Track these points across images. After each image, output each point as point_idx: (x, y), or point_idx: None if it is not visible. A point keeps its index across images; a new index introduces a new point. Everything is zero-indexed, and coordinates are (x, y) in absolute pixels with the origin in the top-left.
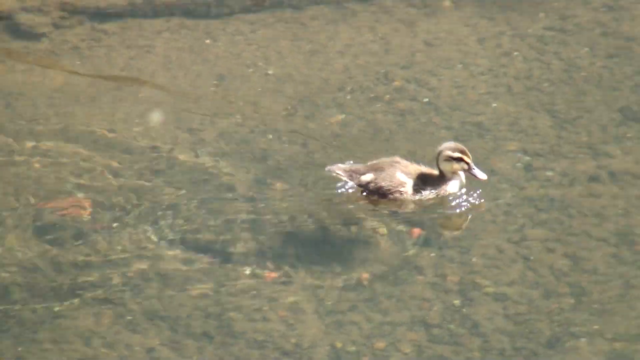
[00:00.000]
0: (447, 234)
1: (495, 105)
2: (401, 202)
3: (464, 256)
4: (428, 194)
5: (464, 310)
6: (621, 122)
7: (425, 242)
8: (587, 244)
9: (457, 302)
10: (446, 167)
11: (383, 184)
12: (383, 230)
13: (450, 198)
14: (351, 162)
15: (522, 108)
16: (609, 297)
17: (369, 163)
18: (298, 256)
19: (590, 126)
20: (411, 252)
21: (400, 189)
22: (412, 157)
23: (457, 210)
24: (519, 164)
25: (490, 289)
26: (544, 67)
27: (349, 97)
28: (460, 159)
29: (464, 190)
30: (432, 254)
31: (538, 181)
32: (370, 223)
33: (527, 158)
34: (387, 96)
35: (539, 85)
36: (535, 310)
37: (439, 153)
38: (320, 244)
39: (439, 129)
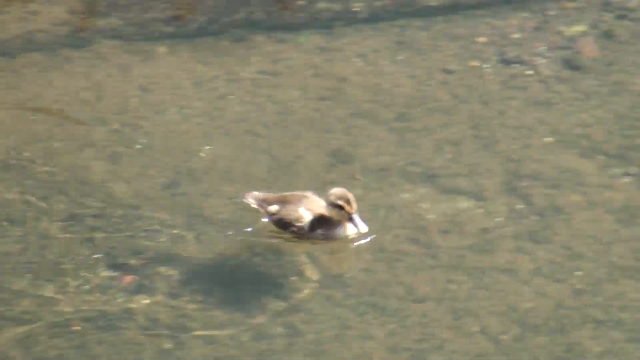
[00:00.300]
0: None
1: (209, 148)
2: (299, 237)
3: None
4: (318, 234)
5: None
6: (331, 165)
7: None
8: None
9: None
10: (332, 212)
11: (284, 216)
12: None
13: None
14: (266, 191)
15: (238, 151)
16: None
17: (280, 194)
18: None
19: (304, 171)
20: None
21: (297, 224)
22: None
23: None
24: (234, 208)
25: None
26: (258, 110)
27: (57, 144)
28: (341, 207)
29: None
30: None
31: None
32: None
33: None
34: (102, 142)
35: (254, 129)
36: (245, 352)
37: (327, 197)
38: None
39: (158, 175)
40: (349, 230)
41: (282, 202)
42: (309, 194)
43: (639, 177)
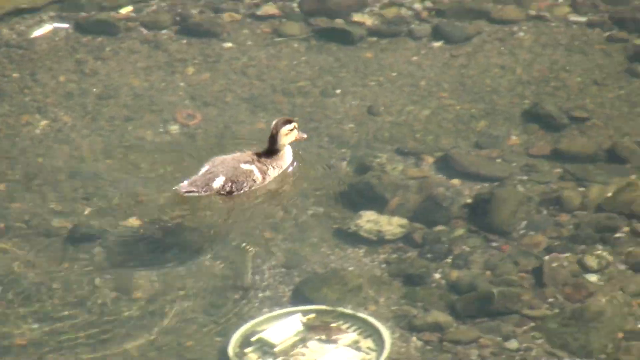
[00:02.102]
0: None
1: None
2: (252, 192)
3: None
4: (273, 172)
5: None
6: None
7: None
8: None
9: None
10: (286, 140)
11: (235, 180)
12: None
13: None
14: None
15: None
16: None
17: (204, 170)
18: None
19: None
20: None
21: (253, 177)
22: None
23: None
24: None
25: None
26: None
27: None
28: (294, 128)
29: None
30: None
31: None
32: None
33: None
34: None
35: None
36: None
37: (278, 132)
38: None
39: None
40: (291, 153)
41: (219, 172)
42: (221, 157)
43: None
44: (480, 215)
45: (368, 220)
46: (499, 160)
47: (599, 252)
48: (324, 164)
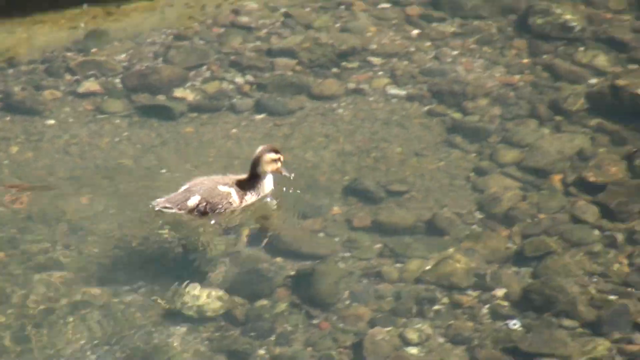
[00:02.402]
0: None
1: None
2: (230, 213)
3: None
4: (250, 197)
5: None
6: None
7: None
8: None
9: None
10: (268, 168)
11: (210, 201)
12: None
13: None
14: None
15: None
16: None
17: (183, 189)
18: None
19: None
20: None
21: (229, 200)
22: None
23: None
24: None
25: None
26: None
27: None
28: (279, 159)
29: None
30: None
31: None
32: None
33: None
34: None
35: None
36: None
37: (260, 157)
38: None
39: None
40: (271, 182)
41: (196, 192)
42: (201, 178)
43: None
44: (302, 289)
45: (192, 295)
46: (321, 235)
47: (419, 325)
48: (147, 238)
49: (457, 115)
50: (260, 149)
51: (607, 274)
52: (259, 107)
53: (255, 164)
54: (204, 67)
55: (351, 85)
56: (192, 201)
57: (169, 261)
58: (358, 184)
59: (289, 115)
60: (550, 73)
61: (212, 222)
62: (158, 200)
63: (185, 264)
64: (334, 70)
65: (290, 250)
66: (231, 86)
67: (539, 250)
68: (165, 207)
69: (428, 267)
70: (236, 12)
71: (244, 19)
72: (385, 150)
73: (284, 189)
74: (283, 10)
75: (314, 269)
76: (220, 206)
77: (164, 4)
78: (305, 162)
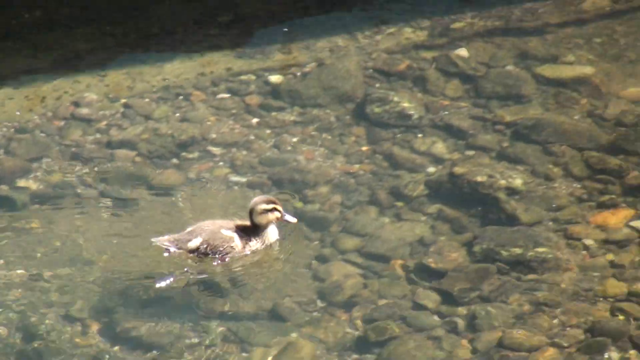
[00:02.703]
0: None
1: None
2: (231, 258)
3: None
4: (255, 244)
5: None
6: None
7: None
8: None
9: None
10: (262, 219)
11: (212, 243)
12: None
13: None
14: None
15: None
16: None
17: (188, 230)
18: None
19: None
20: None
21: (231, 244)
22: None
23: None
24: None
25: None
26: None
27: None
28: (273, 209)
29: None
30: None
31: None
32: None
33: None
34: None
35: None
36: None
37: (252, 209)
38: None
39: None
40: (276, 232)
41: (199, 234)
42: (210, 221)
43: None
44: None
45: None
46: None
47: None
48: None
49: (299, 204)
50: (253, 200)
51: (451, 359)
52: (101, 198)
53: (250, 215)
54: (46, 159)
55: (191, 175)
56: (193, 243)
57: (13, 357)
58: None
59: (130, 206)
60: (389, 161)
61: (215, 263)
62: (161, 238)
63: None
64: (174, 160)
65: (132, 336)
66: (73, 178)
67: (382, 335)
68: (166, 245)
69: (270, 357)
70: (76, 104)
71: (84, 111)
72: None
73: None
74: (123, 101)
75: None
76: (221, 249)
77: (4, 97)
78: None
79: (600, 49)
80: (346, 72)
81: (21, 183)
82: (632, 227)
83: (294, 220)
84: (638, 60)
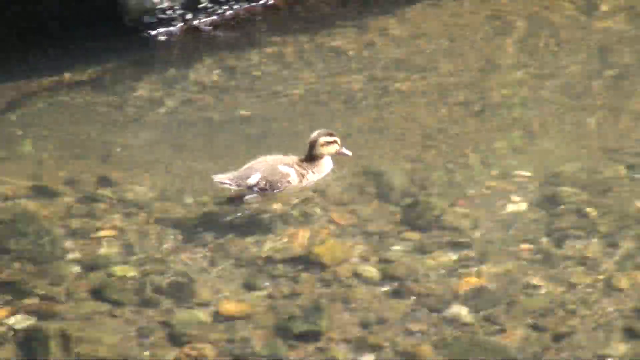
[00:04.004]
0: None
1: None
2: (289, 192)
3: None
4: (312, 176)
5: None
6: None
7: None
8: None
9: None
10: (324, 151)
11: (270, 179)
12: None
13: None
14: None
15: None
16: None
17: (246, 166)
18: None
19: None
20: None
21: (288, 179)
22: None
23: None
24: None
25: None
26: None
27: None
28: (334, 142)
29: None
30: None
31: None
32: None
33: None
34: None
35: None
36: None
37: (315, 141)
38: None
39: None
40: (331, 163)
41: (257, 170)
42: (266, 157)
43: None
44: None
45: None
46: None
47: None
48: None
49: None
50: (315, 133)
51: None
52: None
53: (311, 147)
54: None
55: None
56: (253, 179)
57: None
58: None
59: None
60: None
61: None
62: (219, 175)
63: None
64: None
65: None
66: None
67: None
68: (224, 184)
69: None
70: None
71: None
72: None
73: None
74: None
75: None
76: (279, 185)
77: None
78: None
79: None
80: None
81: None
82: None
83: (349, 153)
84: None
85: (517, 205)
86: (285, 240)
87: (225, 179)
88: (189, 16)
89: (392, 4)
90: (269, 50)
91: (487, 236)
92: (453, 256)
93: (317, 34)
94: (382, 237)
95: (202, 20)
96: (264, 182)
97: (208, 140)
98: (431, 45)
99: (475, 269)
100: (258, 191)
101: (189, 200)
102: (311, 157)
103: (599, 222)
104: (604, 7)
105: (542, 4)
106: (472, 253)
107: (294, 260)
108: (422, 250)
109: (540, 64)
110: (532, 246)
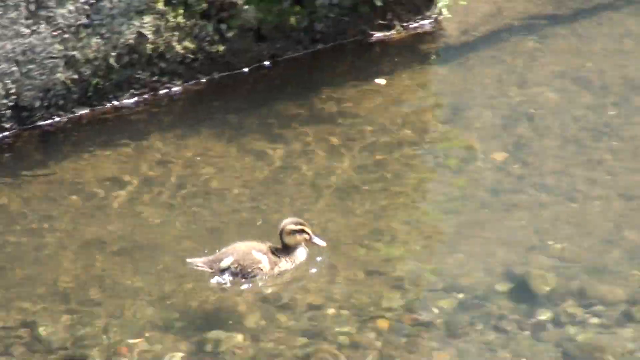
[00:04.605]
0: None
1: None
2: (261, 279)
3: None
4: (285, 264)
5: None
6: None
7: None
8: None
9: None
10: (290, 240)
11: (242, 263)
12: None
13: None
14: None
15: None
16: None
17: (222, 250)
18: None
19: None
20: None
21: (259, 266)
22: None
23: None
24: None
25: None
26: None
27: None
28: (302, 231)
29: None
30: None
31: None
32: None
33: None
34: None
35: None
36: None
37: (282, 229)
38: None
39: None
40: (304, 253)
41: (231, 254)
42: (245, 242)
43: None
44: None
45: None
46: None
47: None
48: None
49: None
50: (283, 221)
51: None
52: None
53: (280, 235)
54: None
55: None
56: (225, 262)
57: None
58: None
59: None
60: None
61: (244, 287)
62: (195, 259)
63: None
64: None
65: None
66: None
67: None
68: (200, 266)
69: None
70: None
71: None
72: None
73: (317, 258)
74: None
75: None
76: (249, 270)
77: None
78: None
79: None
80: None
81: None
82: None
83: (323, 243)
84: None
85: None
86: None
87: (199, 262)
88: None
89: None
90: None
91: None
92: None
93: None
94: None
95: None
96: (236, 266)
97: None
98: None
99: None
100: (230, 275)
101: None
102: (284, 245)
103: None
104: None
105: None
106: None
107: None
108: None
109: None
110: None
